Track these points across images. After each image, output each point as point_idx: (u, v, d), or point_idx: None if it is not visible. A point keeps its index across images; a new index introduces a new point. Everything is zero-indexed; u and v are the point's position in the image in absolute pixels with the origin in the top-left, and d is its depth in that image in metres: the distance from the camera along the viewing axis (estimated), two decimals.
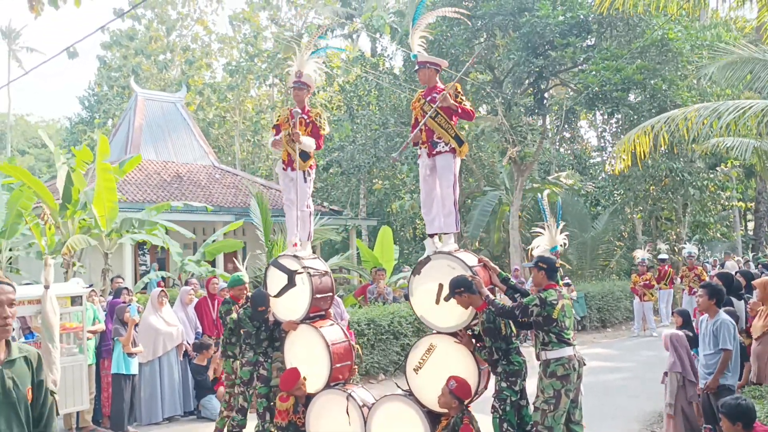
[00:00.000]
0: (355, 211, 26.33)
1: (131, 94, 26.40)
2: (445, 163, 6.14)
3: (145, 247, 19.06)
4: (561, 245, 6.25)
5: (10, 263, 16.27)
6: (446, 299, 5.79)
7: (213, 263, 16.13)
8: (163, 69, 35.68)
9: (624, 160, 12.57)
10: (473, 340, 6.00)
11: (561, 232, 6.32)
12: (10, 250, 15.75)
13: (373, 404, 6.42)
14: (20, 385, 3.15)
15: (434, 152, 6.16)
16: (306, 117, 6.96)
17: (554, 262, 5.68)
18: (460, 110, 6.07)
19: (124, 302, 8.75)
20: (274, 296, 6.87)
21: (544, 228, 6.36)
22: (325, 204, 23.55)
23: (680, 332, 7.00)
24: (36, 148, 52.15)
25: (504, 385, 5.70)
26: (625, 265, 22.35)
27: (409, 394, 6.19)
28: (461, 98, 6.15)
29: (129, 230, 13.94)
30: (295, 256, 6.92)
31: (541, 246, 6.25)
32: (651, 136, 11.59)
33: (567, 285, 7.72)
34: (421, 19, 6.34)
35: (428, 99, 6.18)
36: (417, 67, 6.34)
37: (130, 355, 8.39)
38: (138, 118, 23.89)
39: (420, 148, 6.26)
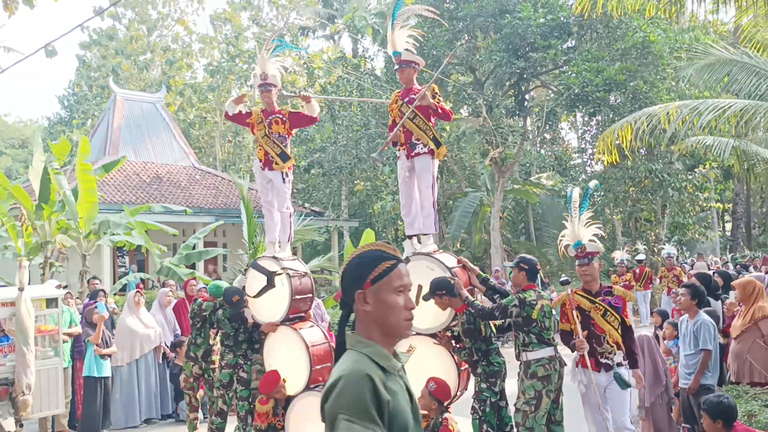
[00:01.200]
0: (337, 212, 26.27)
1: (110, 95, 26.14)
2: (424, 165, 6.12)
3: (124, 249, 18.87)
4: (589, 239, 5.92)
5: None
6: (425, 299, 5.77)
7: (193, 266, 15.98)
8: (143, 69, 35.37)
9: (609, 155, 12.63)
10: (452, 342, 5.99)
11: (588, 226, 6.02)
12: None
13: None
14: None
15: (413, 154, 6.14)
16: (280, 116, 6.92)
17: (535, 264, 5.69)
18: (439, 110, 6.06)
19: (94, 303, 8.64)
20: (253, 297, 6.81)
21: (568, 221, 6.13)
22: (306, 205, 23.48)
23: (647, 334, 7.04)
24: (13, 148, 51.48)
25: (484, 386, 5.69)
26: (605, 267, 22.49)
27: None
28: (438, 98, 6.14)
29: (107, 232, 13.78)
30: (275, 258, 6.86)
31: (564, 240, 6.11)
32: (633, 128, 11.67)
33: (566, 283, 7.71)
34: (400, 17, 6.31)
35: (406, 100, 6.17)
36: (397, 66, 6.30)
37: (102, 356, 8.25)
38: (117, 118, 23.64)
39: (399, 150, 6.24)
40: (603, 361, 5.63)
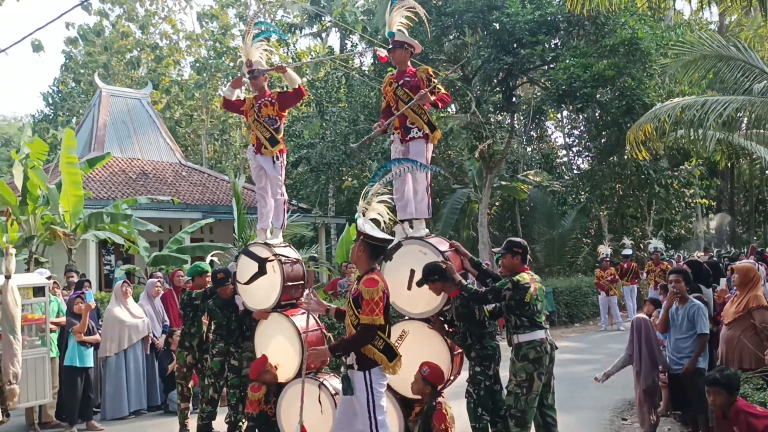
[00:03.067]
0: (324, 209, 26.19)
1: (96, 91, 25.91)
2: (418, 149, 6.11)
3: (108, 243, 18.70)
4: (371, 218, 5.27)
5: None
6: (419, 284, 5.75)
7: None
8: (130, 66, 35.10)
9: (638, 152, 13.35)
10: (445, 326, 5.97)
11: (379, 201, 5.39)
12: None
13: None
14: None
15: (407, 138, 6.13)
16: (269, 99, 6.90)
17: (527, 246, 5.66)
18: (438, 104, 6.06)
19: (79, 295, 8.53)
20: (244, 283, 6.77)
21: None
22: (294, 202, 23.39)
23: (644, 316, 7.07)
24: None
25: (478, 369, 5.68)
26: (592, 262, 22.63)
27: None
28: (434, 81, 6.13)
29: (97, 226, 13.66)
30: (267, 244, 6.83)
31: None
32: (655, 124, 12.00)
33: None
34: (399, 0, 6.31)
35: (400, 83, 6.15)
36: (390, 46, 6.28)
37: (83, 344, 8.12)
38: (102, 114, 23.43)
39: (393, 134, 6.23)
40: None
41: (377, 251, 5.09)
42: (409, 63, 6.30)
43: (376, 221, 5.19)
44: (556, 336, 14.70)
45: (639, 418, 6.93)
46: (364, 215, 5.15)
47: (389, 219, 5.41)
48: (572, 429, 7.32)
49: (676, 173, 20.81)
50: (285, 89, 7.14)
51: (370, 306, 4.76)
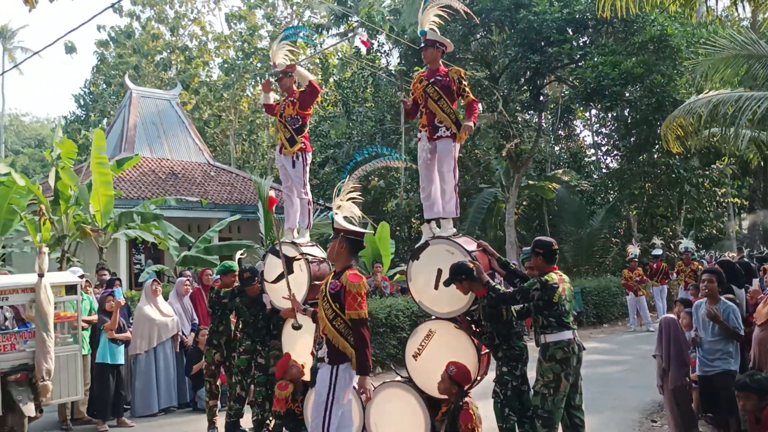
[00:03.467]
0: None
1: (126, 92, 26.28)
2: (446, 148, 6.10)
3: (138, 242, 18.95)
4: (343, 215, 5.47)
5: (3, 260, 16.16)
6: (446, 284, 5.73)
7: None
8: (161, 68, 35.52)
9: (674, 146, 13.17)
10: (473, 326, 5.95)
11: (348, 199, 5.59)
12: (3, 247, 15.65)
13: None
14: None
15: (435, 136, 6.11)
16: (292, 99, 6.97)
17: (551, 245, 5.59)
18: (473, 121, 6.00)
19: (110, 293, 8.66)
20: (271, 282, 6.81)
21: None
22: (321, 201, 23.47)
23: (672, 316, 6.97)
24: (30, 148, 51.99)
25: (505, 369, 5.64)
26: (621, 262, 22.35)
27: (409, 380, 6.14)
28: (465, 84, 6.12)
29: (128, 225, 13.86)
30: (294, 243, 6.87)
31: None
32: (689, 120, 11.89)
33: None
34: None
35: (431, 81, 6.14)
36: (423, 45, 6.28)
37: (115, 342, 8.25)
38: (132, 115, 23.75)
39: (420, 131, 6.22)
40: (314, 349, 5.13)
41: (357, 246, 5.22)
42: (441, 62, 6.29)
43: (347, 218, 5.32)
44: (584, 336, 14.58)
45: (668, 421, 6.83)
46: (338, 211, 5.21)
47: (360, 216, 5.67)
48: (600, 430, 7.25)
49: (707, 172, 20.49)
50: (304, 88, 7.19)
51: (357, 300, 4.86)
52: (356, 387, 6.29)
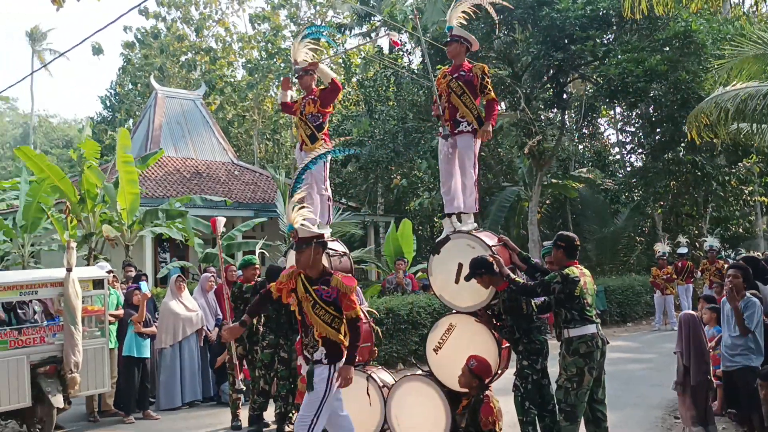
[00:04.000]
0: (373, 208, 26.29)
1: (151, 93, 26.64)
2: (467, 143, 6.14)
3: (163, 239, 19.19)
4: (300, 224, 5.40)
5: (33, 257, 16.46)
6: (466, 279, 5.76)
7: (232, 255, 16.21)
8: (186, 69, 35.89)
9: (697, 136, 13.05)
10: (493, 320, 5.98)
11: (299, 209, 5.48)
12: (32, 245, 15.96)
13: (393, 385, 6.43)
14: None
15: (456, 131, 6.15)
16: (313, 96, 7.04)
17: (573, 240, 5.60)
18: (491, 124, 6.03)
19: (137, 287, 8.81)
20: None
21: None
22: (343, 200, 23.57)
23: (691, 312, 6.92)
24: (58, 148, 52.76)
25: (525, 363, 5.67)
26: (645, 261, 22.16)
27: (429, 374, 6.18)
28: (488, 80, 6.15)
29: (153, 222, 14.06)
30: None
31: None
32: (716, 113, 11.79)
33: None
34: None
35: (455, 76, 6.18)
36: (448, 40, 6.32)
37: (141, 335, 8.40)
38: (158, 115, 24.09)
39: (442, 126, 6.26)
40: (305, 353, 5.21)
41: (326, 246, 5.47)
42: (465, 59, 6.33)
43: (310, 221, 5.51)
44: (608, 335, 14.35)
45: (681, 415, 6.76)
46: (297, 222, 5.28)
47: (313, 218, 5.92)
48: (623, 426, 7.23)
49: (734, 170, 20.21)
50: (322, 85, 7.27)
51: (352, 300, 5.10)
52: (375, 379, 6.37)
